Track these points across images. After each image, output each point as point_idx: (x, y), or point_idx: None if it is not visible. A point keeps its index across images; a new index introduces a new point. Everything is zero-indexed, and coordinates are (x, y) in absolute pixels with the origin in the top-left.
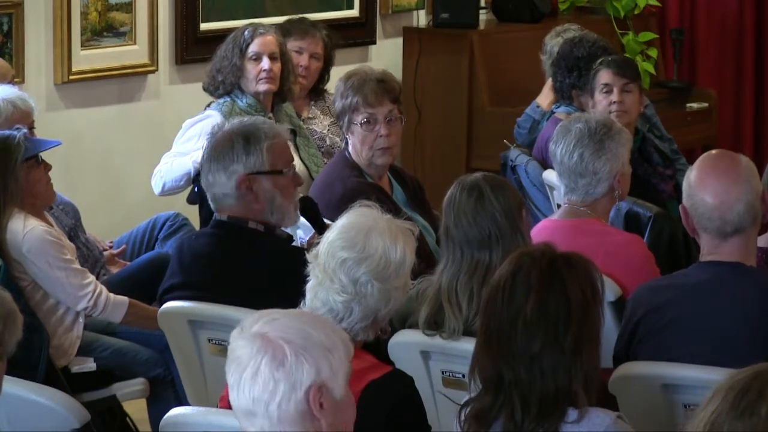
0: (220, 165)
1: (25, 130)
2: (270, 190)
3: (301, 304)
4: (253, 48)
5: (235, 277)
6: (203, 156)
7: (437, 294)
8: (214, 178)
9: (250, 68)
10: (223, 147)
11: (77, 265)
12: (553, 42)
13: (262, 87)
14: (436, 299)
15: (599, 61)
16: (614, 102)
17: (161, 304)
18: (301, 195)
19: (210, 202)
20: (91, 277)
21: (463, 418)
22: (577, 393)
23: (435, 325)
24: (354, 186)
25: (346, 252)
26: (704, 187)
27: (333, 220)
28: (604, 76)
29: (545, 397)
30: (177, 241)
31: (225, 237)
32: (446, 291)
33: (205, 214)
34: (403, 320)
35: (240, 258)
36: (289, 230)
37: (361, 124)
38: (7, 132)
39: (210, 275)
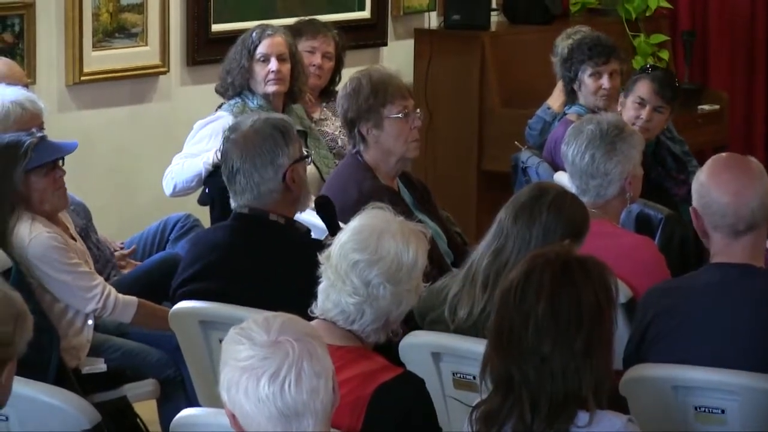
0: (265, 161)
1: (41, 134)
2: (303, 176)
3: (313, 305)
4: (261, 49)
5: (253, 267)
6: (233, 160)
7: (467, 270)
8: (260, 176)
9: (259, 70)
10: (263, 143)
11: (85, 268)
12: (564, 44)
13: (271, 88)
14: (465, 275)
15: (648, 67)
16: (642, 118)
17: (175, 301)
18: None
19: (247, 202)
20: (99, 279)
21: (473, 419)
22: (588, 396)
23: (455, 313)
24: (370, 189)
25: (358, 254)
26: (718, 185)
27: (347, 224)
28: (643, 88)
29: (555, 398)
30: (192, 236)
31: (245, 228)
32: (475, 263)
33: (217, 214)
34: (424, 315)
35: (259, 249)
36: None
37: (398, 117)
38: (16, 137)
39: (227, 265)
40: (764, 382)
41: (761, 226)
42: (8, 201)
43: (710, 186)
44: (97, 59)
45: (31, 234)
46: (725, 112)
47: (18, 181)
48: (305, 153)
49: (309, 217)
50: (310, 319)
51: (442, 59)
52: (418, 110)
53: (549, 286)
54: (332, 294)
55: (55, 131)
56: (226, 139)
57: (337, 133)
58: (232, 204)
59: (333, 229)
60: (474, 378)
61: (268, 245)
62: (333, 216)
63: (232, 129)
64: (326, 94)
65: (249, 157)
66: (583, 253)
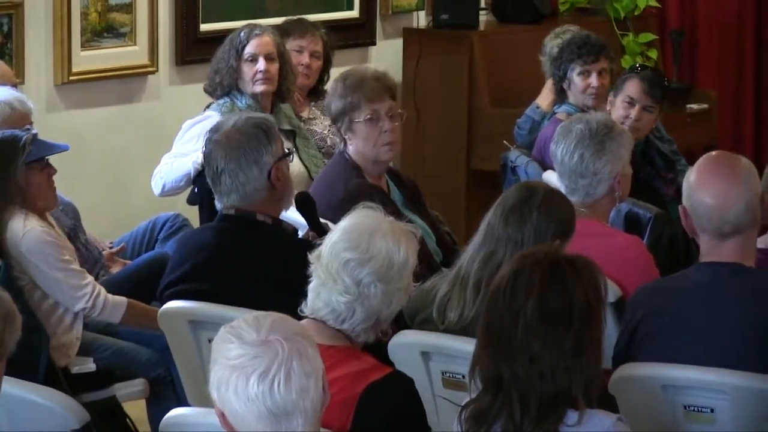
0: (249, 160)
1: (36, 131)
2: (287, 173)
3: (303, 304)
4: (249, 49)
5: (242, 268)
6: (217, 161)
7: (457, 272)
8: (246, 176)
9: (247, 69)
10: (247, 143)
11: (76, 266)
12: (553, 43)
13: (259, 88)
14: (455, 277)
15: (637, 67)
16: (631, 117)
17: (163, 302)
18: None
19: (233, 203)
20: (90, 278)
21: (463, 418)
22: (577, 395)
23: (444, 314)
24: (356, 187)
25: (349, 253)
26: (704, 187)
27: (335, 222)
28: (633, 87)
29: (544, 397)
30: (179, 237)
31: (232, 229)
32: (464, 268)
33: (206, 214)
34: (413, 315)
35: (247, 250)
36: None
37: (364, 121)
38: (12, 133)
39: (215, 266)
40: (753, 381)
41: (748, 228)
42: (7, 193)
43: (696, 188)
44: (86, 59)
45: (25, 228)
46: (714, 111)
47: (19, 173)
48: (287, 150)
49: (293, 215)
50: (299, 318)
51: (430, 59)
52: (400, 110)
53: (538, 286)
54: (323, 293)
55: (44, 131)
56: (209, 141)
57: (326, 132)
58: (217, 205)
59: (313, 225)
60: (463, 377)
61: (257, 245)
62: (313, 212)
63: (214, 130)
64: (315, 93)
65: (233, 157)
66: (572, 252)
